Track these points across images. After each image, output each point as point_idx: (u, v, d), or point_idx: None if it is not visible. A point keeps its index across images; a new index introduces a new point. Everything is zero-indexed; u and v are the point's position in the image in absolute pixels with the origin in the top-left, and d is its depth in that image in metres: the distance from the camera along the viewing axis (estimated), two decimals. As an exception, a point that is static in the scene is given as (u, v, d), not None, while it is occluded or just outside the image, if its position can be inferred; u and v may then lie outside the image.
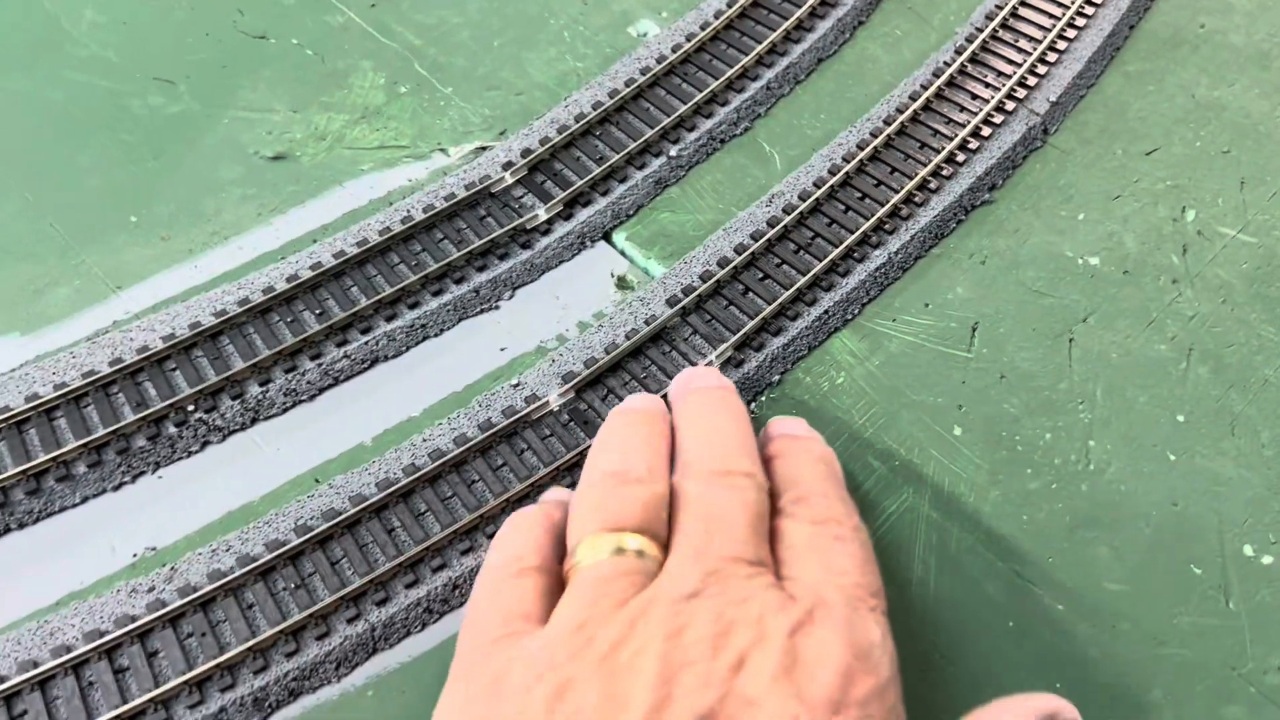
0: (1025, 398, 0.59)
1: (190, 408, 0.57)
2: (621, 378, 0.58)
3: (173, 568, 0.52)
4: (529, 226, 0.64)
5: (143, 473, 0.56)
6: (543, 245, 0.64)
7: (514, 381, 0.59)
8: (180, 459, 0.56)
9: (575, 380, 0.57)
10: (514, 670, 0.39)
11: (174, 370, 0.58)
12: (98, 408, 0.57)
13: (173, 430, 0.56)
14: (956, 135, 0.68)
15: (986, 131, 0.68)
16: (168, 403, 0.56)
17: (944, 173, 0.66)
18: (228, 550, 0.52)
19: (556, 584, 0.44)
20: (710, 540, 0.42)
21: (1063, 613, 0.52)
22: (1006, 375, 0.60)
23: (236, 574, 0.51)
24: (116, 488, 0.55)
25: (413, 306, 0.61)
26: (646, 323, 0.60)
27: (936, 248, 0.65)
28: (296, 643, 0.49)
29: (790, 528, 0.45)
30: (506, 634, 0.41)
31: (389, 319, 0.61)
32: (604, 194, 0.66)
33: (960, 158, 0.67)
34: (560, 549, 0.45)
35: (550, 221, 0.65)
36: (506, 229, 0.64)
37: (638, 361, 0.59)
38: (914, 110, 0.69)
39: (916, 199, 0.65)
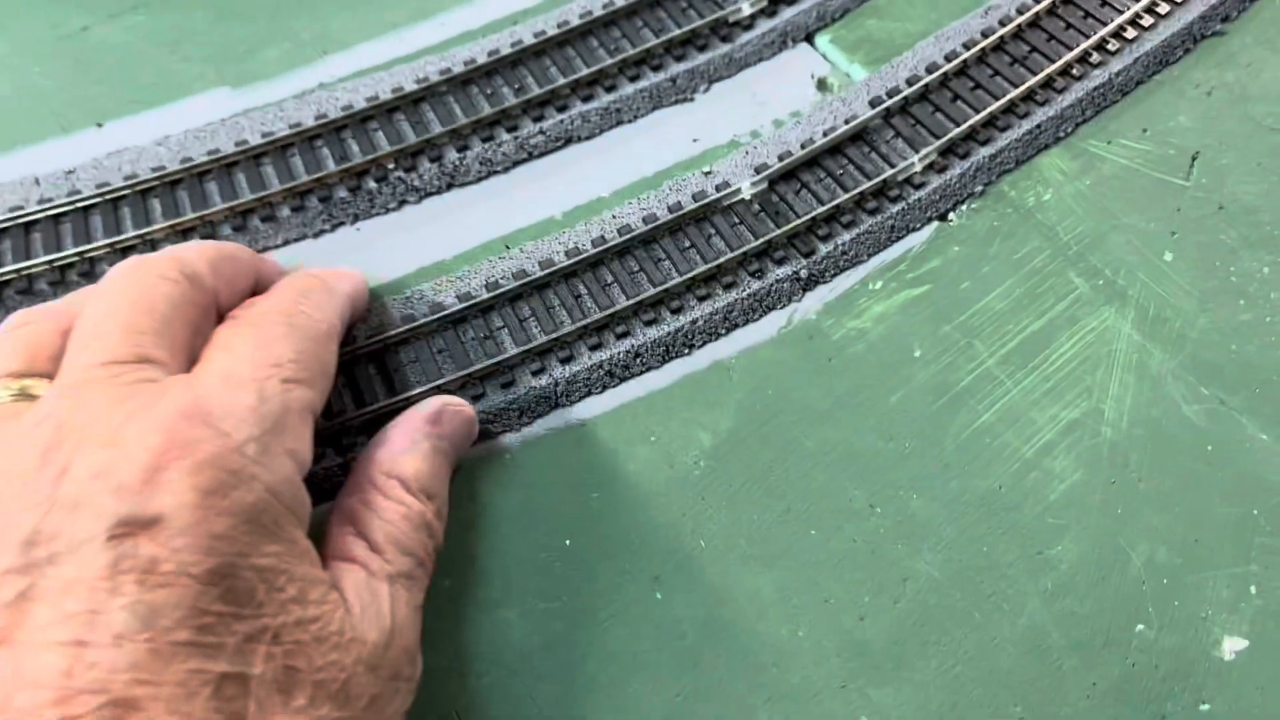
0: (1244, 230, 0.55)
1: (390, 165, 0.58)
2: (816, 174, 0.57)
3: (368, 309, 0.53)
4: (731, 20, 0.63)
5: (342, 223, 0.57)
6: (743, 40, 0.63)
7: (706, 169, 0.58)
8: (378, 214, 0.58)
9: (769, 171, 0.56)
10: None
11: (375, 130, 0.59)
12: (302, 157, 0.58)
13: (372, 185, 0.57)
14: (1195, -41, 0.63)
15: (1229, -43, 0.63)
16: (368, 158, 0.57)
17: (1178, -4, 0.62)
18: (420, 299, 0.53)
19: None
20: (80, 352, 0.38)
21: (1266, 443, 0.49)
22: (1225, 206, 0.56)
23: (428, 319, 0.52)
24: (316, 235, 0.57)
25: (609, 90, 0.61)
26: (846, 122, 0.58)
27: (1159, 75, 0.61)
28: (483, 387, 0.50)
29: (220, 330, 0.41)
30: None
31: (585, 100, 0.60)
32: (811, -7, 0.64)
33: (1197, -18, 0.63)
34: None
35: (753, 17, 0.63)
36: (708, 20, 0.62)
37: (835, 159, 0.57)
38: (1150, -70, 0.64)
39: (1143, 21, 0.61)
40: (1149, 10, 0.62)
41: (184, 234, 0.56)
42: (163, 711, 0.31)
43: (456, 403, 0.47)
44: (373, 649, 0.37)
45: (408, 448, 0.44)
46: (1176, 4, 0.62)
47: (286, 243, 0.57)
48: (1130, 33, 0.61)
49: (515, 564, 0.47)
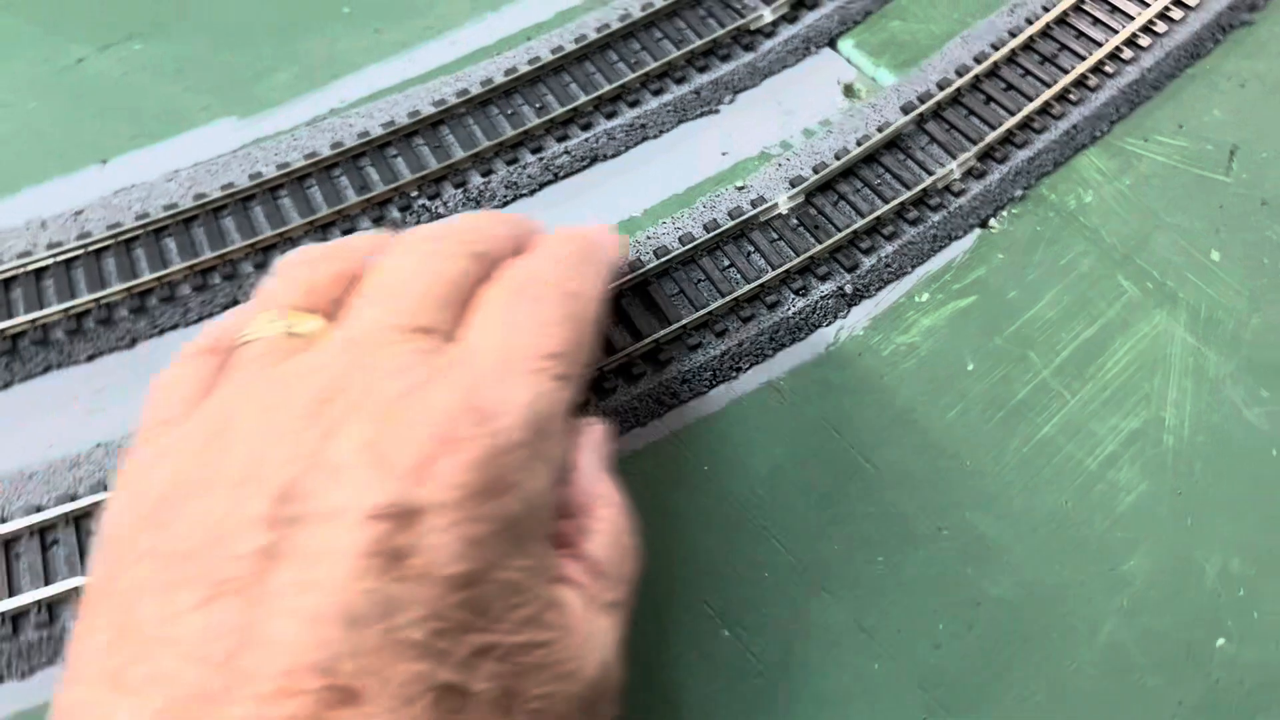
0: (1291, 225, 0.55)
1: (414, 193, 0.56)
2: (854, 184, 0.55)
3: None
4: (752, 28, 0.61)
5: (366, 255, 0.55)
6: (766, 48, 0.61)
7: (739, 184, 0.56)
8: (402, 244, 0.56)
9: (805, 184, 0.55)
10: (145, 453, 0.35)
11: (395, 156, 0.57)
12: (321, 189, 0.56)
13: (396, 214, 0.55)
14: (1219, -52, 0.62)
15: (1254, -55, 0.63)
16: (391, 186, 0.55)
17: (1204, -13, 0.61)
18: (455, 332, 0.52)
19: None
20: (370, 307, 0.37)
21: (1333, 445, 0.48)
22: (1269, 202, 0.55)
23: (467, 353, 0.50)
24: (340, 268, 0.55)
25: (632, 105, 0.59)
26: (879, 129, 0.57)
27: (1191, 68, 0.60)
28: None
29: (488, 292, 0.39)
30: (163, 420, 0.37)
31: (609, 116, 0.59)
32: (831, -2, 0.63)
33: (1223, -28, 0.62)
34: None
35: (775, 23, 0.62)
36: (729, 29, 0.61)
37: (871, 169, 0.56)
38: (1172, -80, 0.63)
39: (1171, 14, 0.60)
40: (1177, 3, 0.61)
41: (204, 273, 0.53)
42: (381, 709, 0.29)
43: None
44: (587, 685, 0.35)
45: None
46: (1203, -5, 0.61)
47: (310, 278, 0.54)
48: (1160, 26, 0.60)
49: (577, 607, 0.45)
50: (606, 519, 0.39)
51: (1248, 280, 0.53)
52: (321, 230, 0.55)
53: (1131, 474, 0.48)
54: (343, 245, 0.41)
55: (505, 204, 0.57)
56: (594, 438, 0.41)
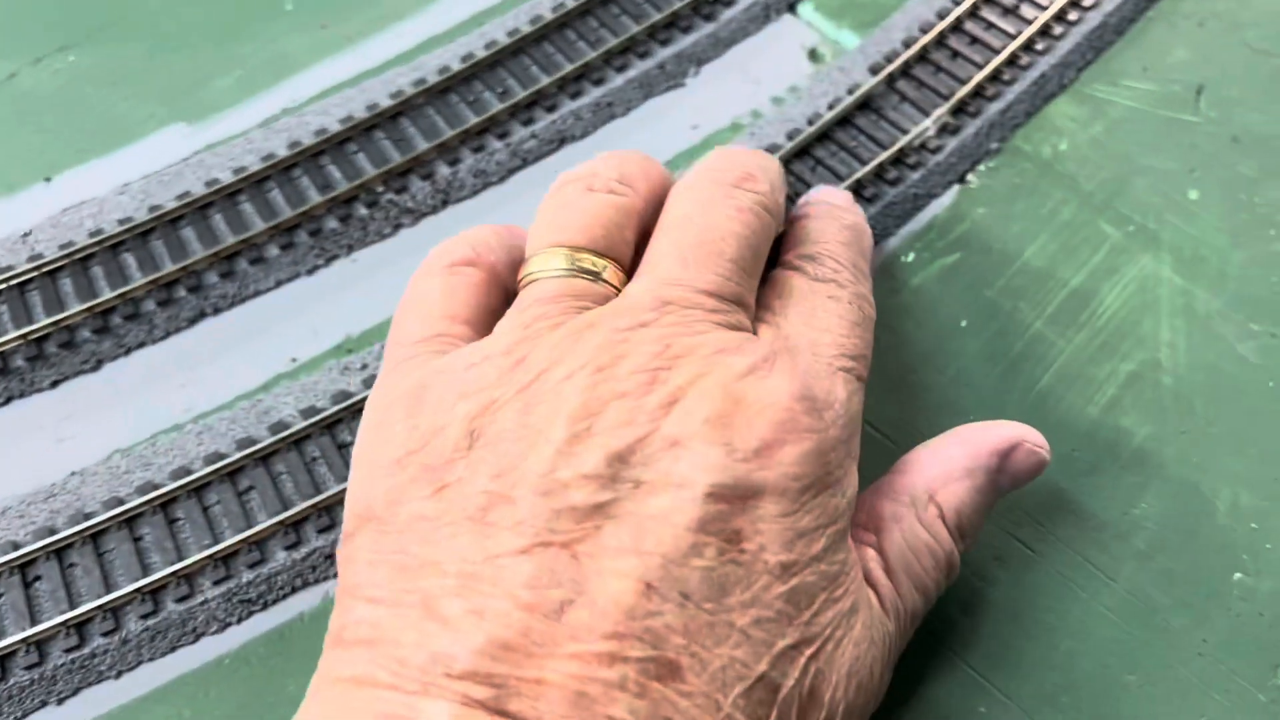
0: (1262, 159, 0.55)
1: (379, 188, 0.54)
2: (829, 148, 0.55)
3: (382, 345, 0.50)
4: (711, -2, 0.60)
5: (336, 256, 0.53)
6: (726, 17, 0.60)
7: (714, 155, 0.55)
8: (373, 242, 0.54)
9: (780, 152, 0.54)
10: (437, 383, 0.35)
11: (356, 153, 0.55)
12: (282, 190, 0.54)
13: (364, 212, 0.54)
14: (1166, -110, 0.62)
15: (1199, -115, 0.63)
16: (355, 183, 0.53)
17: (1156, -71, 0.61)
18: (437, 328, 0.50)
19: (499, 290, 0.40)
20: (680, 266, 0.37)
21: (1327, 372, 0.49)
22: (1239, 138, 0.55)
23: (454, 348, 0.48)
24: (311, 271, 0.53)
25: (597, 84, 0.58)
26: (849, 91, 0.56)
27: (1150, 10, 0.60)
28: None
29: (786, 278, 0.41)
30: (432, 334, 0.38)
31: (573, 96, 0.57)
32: (788, -38, 0.62)
33: (1172, -87, 0.62)
34: (517, 259, 0.41)
35: (733, -9, 0.61)
36: (685, 1, 0.60)
37: (845, 131, 0.55)
38: None
39: (1127, -42, 0.60)
40: (1131, -54, 0.61)
41: (167, 287, 0.51)
42: (698, 690, 0.30)
43: (1035, 439, 0.41)
44: (873, 696, 0.35)
45: (961, 475, 0.39)
46: (1155, -63, 0.61)
47: (279, 284, 0.52)
48: (1116, -30, 0.60)
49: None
50: (928, 525, 0.38)
51: (1227, 217, 0.53)
52: (287, 233, 0.53)
53: (1134, 417, 0.48)
54: (621, 174, 0.40)
55: (475, 193, 0.55)
56: (981, 447, 0.40)
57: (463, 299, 0.39)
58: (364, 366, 0.49)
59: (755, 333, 0.38)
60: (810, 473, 0.33)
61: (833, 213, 0.45)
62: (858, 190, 0.53)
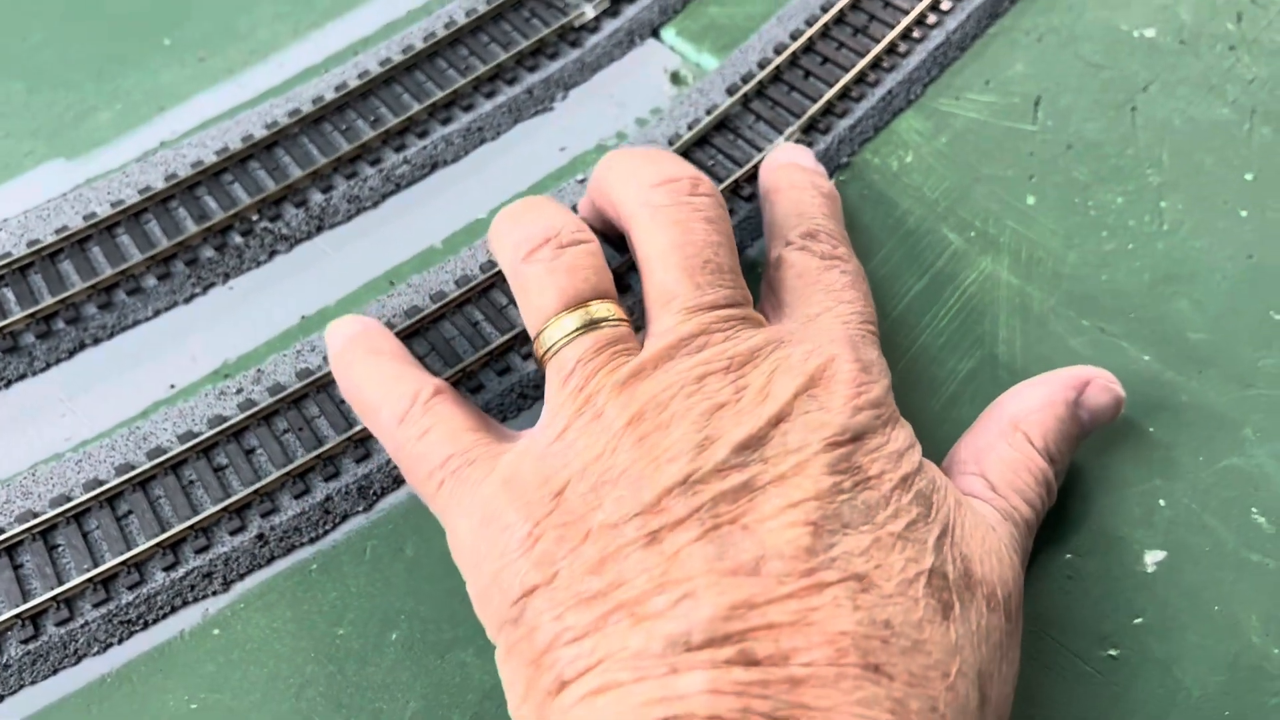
0: (1094, 165, 0.58)
1: (254, 217, 0.56)
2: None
3: (259, 369, 0.51)
4: (576, 25, 0.63)
5: (213, 284, 0.55)
6: (592, 44, 0.63)
7: (580, 177, 0.58)
8: (250, 269, 0.55)
9: (642, 171, 0.56)
10: (525, 466, 0.38)
11: (232, 183, 0.57)
12: (160, 222, 0.55)
13: (239, 240, 0.55)
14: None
15: (1035, -92, 0.67)
16: (230, 212, 0.55)
17: (996, -50, 0.65)
18: (312, 350, 0.52)
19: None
20: (696, 290, 0.41)
21: (1149, 363, 0.52)
22: (1073, 145, 0.59)
23: (326, 370, 0.50)
24: (188, 299, 0.54)
25: (467, 109, 0.60)
26: (708, 112, 0.59)
27: (993, 27, 0.64)
28: (395, 430, 0.49)
29: (798, 260, 0.47)
30: (475, 444, 0.41)
31: (444, 122, 0.59)
32: (651, -12, 0.64)
33: (1011, -65, 0.66)
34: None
35: (598, 19, 0.63)
36: (554, 28, 0.62)
37: (703, 151, 0.58)
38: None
39: (969, -22, 0.64)
40: (972, -34, 0.64)
41: (46, 320, 0.52)
42: (890, 589, 0.35)
43: (1107, 378, 0.47)
44: (1011, 571, 0.40)
45: (1041, 406, 0.45)
46: (995, -43, 0.65)
47: (158, 313, 0.54)
48: (956, -12, 0.64)
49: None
50: (1018, 449, 0.44)
51: (1061, 220, 0.57)
52: (164, 263, 0.54)
53: (972, 410, 0.51)
54: (571, 224, 0.43)
55: (349, 218, 0.57)
56: (1056, 382, 0.47)
57: (463, 415, 0.42)
58: (239, 390, 0.51)
59: (768, 317, 0.45)
60: (884, 412, 0.40)
61: (806, 180, 0.51)
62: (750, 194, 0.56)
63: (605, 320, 0.41)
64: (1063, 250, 0.56)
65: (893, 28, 0.62)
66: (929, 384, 0.52)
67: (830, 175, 0.58)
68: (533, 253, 0.42)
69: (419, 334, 0.52)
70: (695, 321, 0.40)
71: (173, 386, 0.52)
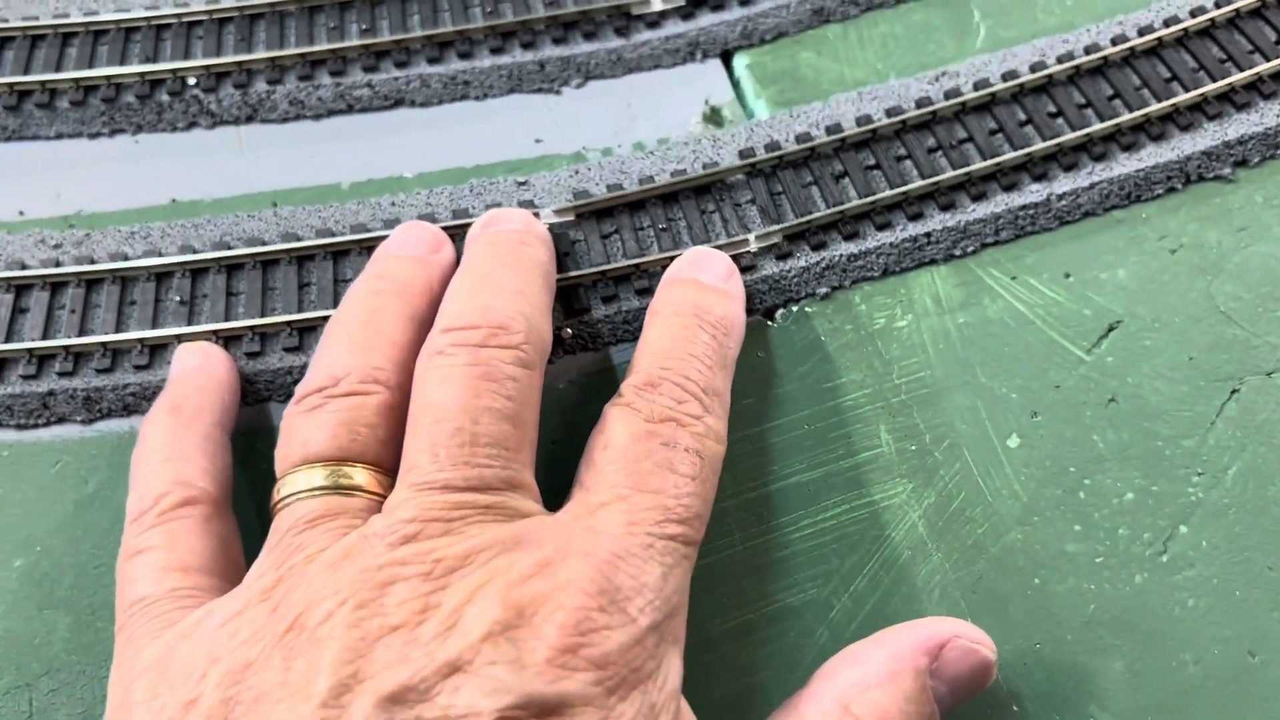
0: (1128, 436, 0.43)
1: (191, 80, 0.51)
2: (638, 220, 0.47)
3: (88, 234, 0.48)
4: (634, 12, 0.53)
5: (122, 130, 0.51)
6: (642, 39, 0.53)
7: (521, 179, 0.49)
8: (163, 130, 0.51)
9: (583, 202, 0.47)
10: (183, 649, 0.31)
11: (198, 39, 0.52)
12: (108, 48, 0.52)
13: (165, 98, 0.51)
14: (1224, 79, 0.49)
15: (1268, 87, 0.49)
16: (168, 66, 0.51)
17: (1179, 119, 0.49)
18: (145, 238, 0.47)
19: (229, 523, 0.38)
20: (435, 465, 0.33)
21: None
22: (1119, 401, 0.44)
23: (128, 264, 0.45)
24: (93, 136, 0.51)
25: (463, 56, 0.52)
26: (704, 167, 0.48)
27: (1119, 210, 0.48)
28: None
29: (614, 420, 0.36)
30: (172, 594, 0.34)
31: (431, 60, 0.52)
32: (744, 1, 0.53)
33: (1213, 107, 0.49)
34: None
35: (663, 14, 0.53)
36: (605, 5, 0.52)
37: (666, 208, 0.47)
38: (1185, 27, 0.51)
39: (1123, 139, 0.48)
40: (1137, 127, 0.49)
41: None
42: None
43: (971, 634, 0.35)
44: None
45: (882, 679, 0.34)
46: (1179, 127, 0.49)
47: (60, 135, 0.51)
48: (1099, 148, 0.48)
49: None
50: None
51: (1035, 483, 0.42)
52: (85, 91, 0.51)
53: (745, 663, 0.39)
54: (364, 371, 0.36)
55: (284, 120, 0.52)
56: (903, 647, 0.35)
57: (205, 547, 0.36)
58: (58, 245, 0.47)
59: (572, 496, 0.35)
60: (615, 674, 0.30)
61: (691, 306, 0.39)
62: (629, 276, 0.45)
63: (352, 489, 0.34)
64: (1011, 523, 0.42)
65: (984, 159, 0.48)
66: (725, 597, 0.40)
67: (793, 302, 0.46)
68: (304, 398, 0.36)
69: (240, 270, 0.46)
70: (414, 504, 0.32)
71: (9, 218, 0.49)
